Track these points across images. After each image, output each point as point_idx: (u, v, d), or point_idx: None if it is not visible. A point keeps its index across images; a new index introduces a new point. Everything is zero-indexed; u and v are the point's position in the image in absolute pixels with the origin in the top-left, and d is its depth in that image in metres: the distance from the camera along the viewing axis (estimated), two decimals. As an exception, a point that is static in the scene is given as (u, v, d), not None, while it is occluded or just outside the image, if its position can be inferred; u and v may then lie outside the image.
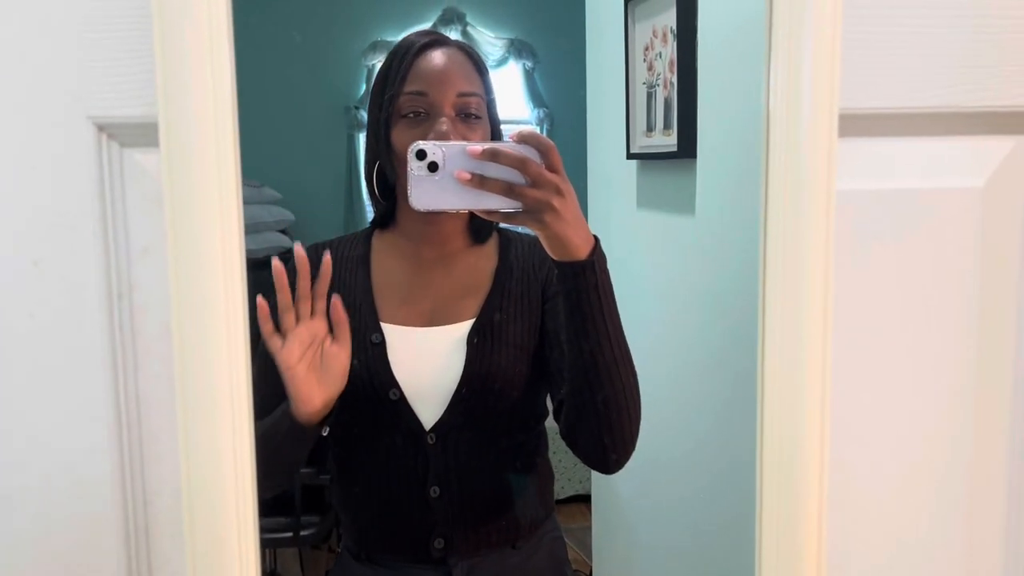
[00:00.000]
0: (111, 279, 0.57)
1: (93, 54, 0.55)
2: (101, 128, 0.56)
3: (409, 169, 0.78)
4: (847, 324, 0.65)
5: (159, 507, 0.58)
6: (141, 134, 0.56)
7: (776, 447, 0.62)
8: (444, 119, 0.95)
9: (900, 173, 0.65)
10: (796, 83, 0.58)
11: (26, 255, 0.56)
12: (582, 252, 0.84)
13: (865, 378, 0.67)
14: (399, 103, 0.97)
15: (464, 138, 0.95)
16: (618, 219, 1.79)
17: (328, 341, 0.89)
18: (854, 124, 0.63)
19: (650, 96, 1.59)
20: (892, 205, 0.65)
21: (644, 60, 1.61)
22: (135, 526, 0.58)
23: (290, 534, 2.14)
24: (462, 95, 0.97)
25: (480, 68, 1.01)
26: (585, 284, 0.85)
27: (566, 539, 1.17)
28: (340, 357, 0.89)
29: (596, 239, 0.87)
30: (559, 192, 0.80)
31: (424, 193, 0.79)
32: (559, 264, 0.85)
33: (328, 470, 2.19)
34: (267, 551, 2.25)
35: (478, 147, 0.78)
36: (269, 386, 0.87)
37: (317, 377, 0.88)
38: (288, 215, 3.32)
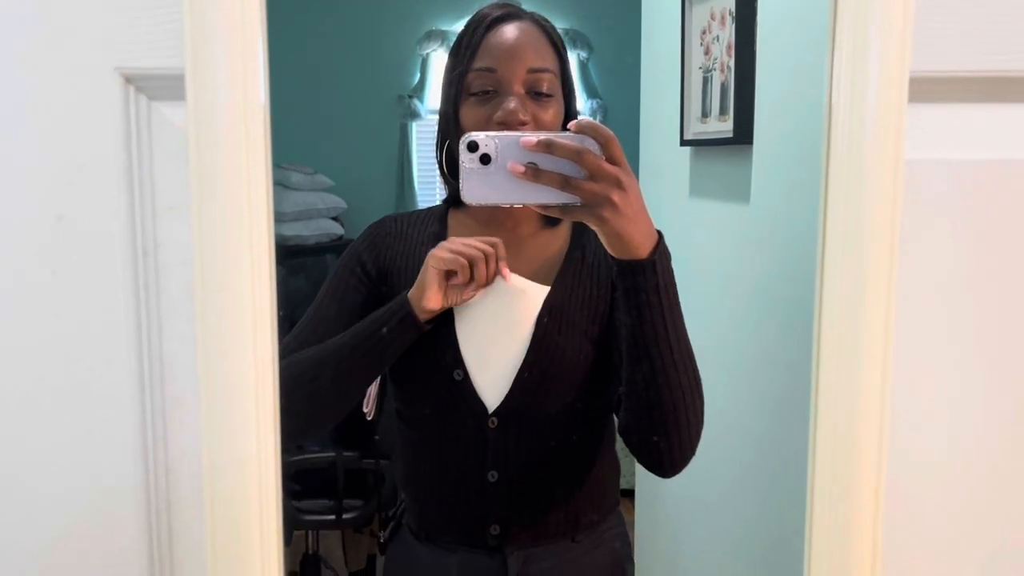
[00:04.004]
0: (136, 236, 0.55)
1: (122, 2, 0.53)
2: (129, 80, 0.54)
3: (460, 162, 0.76)
4: (911, 307, 0.61)
5: (181, 474, 0.57)
6: (171, 87, 0.53)
7: (830, 441, 0.58)
8: (513, 97, 0.92)
9: (974, 142, 0.60)
10: (863, 42, 0.54)
11: (49, 209, 0.54)
12: (643, 250, 0.81)
13: (929, 367, 0.62)
14: (467, 80, 0.94)
15: (535, 117, 0.93)
16: (670, 207, 1.75)
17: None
18: (926, 89, 0.58)
19: (706, 81, 1.55)
20: (964, 177, 0.60)
21: (701, 44, 1.57)
22: (156, 492, 0.57)
23: (332, 517, 2.16)
24: (533, 71, 0.93)
25: (556, 43, 0.98)
26: (645, 284, 0.82)
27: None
28: (466, 292, 0.95)
29: (660, 235, 0.83)
30: (619, 186, 0.76)
31: (476, 187, 0.76)
32: (618, 262, 0.82)
33: (373, 454, 2.20)
34: (309, 533, 2.27)
35: (532, 138, 0.75)
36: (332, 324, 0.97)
37: (444, 291, 0.93)
38: (340, 202, 3.35)
